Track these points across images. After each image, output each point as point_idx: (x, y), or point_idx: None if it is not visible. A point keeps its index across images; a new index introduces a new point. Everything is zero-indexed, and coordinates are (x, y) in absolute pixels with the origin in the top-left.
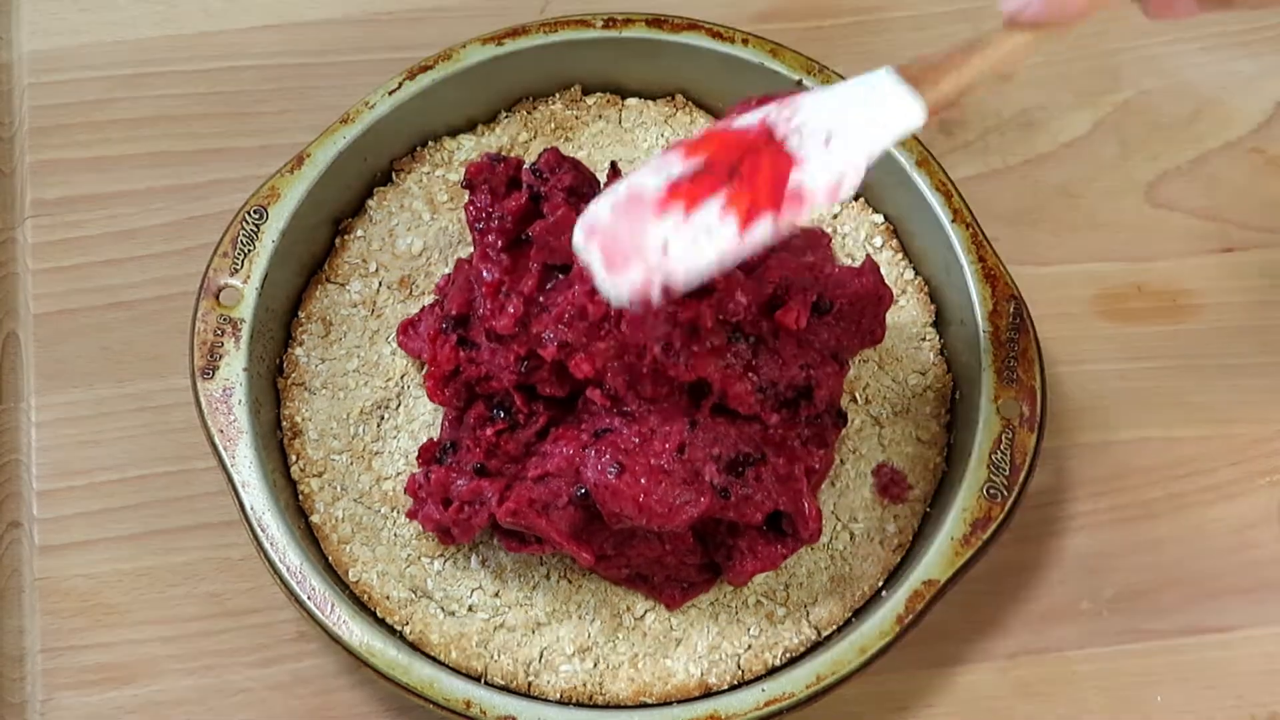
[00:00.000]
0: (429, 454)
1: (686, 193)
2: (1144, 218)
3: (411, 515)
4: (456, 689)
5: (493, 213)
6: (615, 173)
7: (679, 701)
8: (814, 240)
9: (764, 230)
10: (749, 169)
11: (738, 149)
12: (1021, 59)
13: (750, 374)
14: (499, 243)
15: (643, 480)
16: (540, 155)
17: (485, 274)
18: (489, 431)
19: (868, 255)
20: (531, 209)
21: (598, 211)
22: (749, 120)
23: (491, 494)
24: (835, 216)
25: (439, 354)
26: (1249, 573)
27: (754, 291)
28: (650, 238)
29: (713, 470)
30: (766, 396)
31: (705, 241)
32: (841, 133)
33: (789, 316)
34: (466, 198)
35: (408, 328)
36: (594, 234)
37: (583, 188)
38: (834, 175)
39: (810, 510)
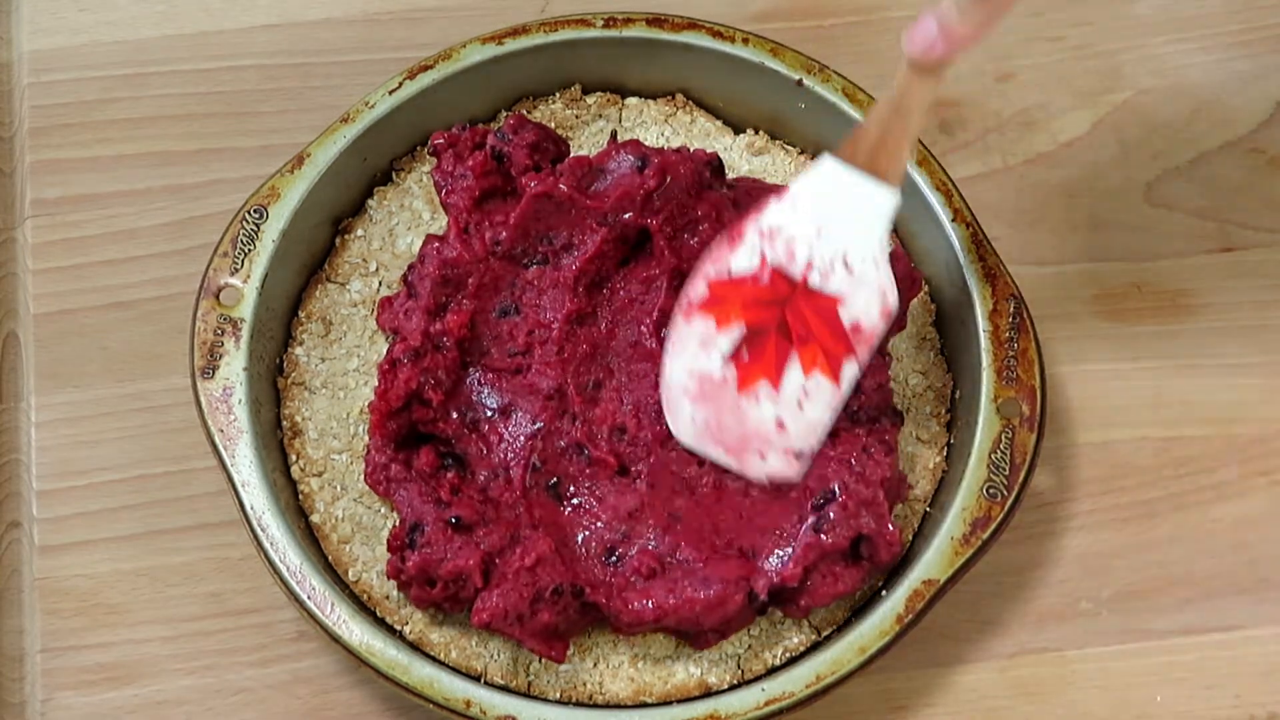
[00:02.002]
0: (398, 540)
1: (759, 368)
2: (1144, 218)
3: (402, 590)
4: (456, 688)
5: (456, 172)
6: (613, 140)
7: (679, 701)
8: None
9: (852, 372)
10: (798, 323)
11: (769, 305)
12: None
13: None
14: (464, 202)
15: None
16: (505, 119)
17: (448, 251)
18: (445, 490)
19: (896, 242)
20: (495, 167)
21: (682, 412)
22: (746, 264)
23: (473, 565)
24: None
25: (390, 388)
26: (1249, 573)
27: None
28: (758, 421)
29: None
30: None
31: (810, 405)
32: (852, 251)
33: None
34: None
35: (386, 304)
36: (702, 436)
37: (545, 144)
38: (878, 298)
39: (892, 534)
